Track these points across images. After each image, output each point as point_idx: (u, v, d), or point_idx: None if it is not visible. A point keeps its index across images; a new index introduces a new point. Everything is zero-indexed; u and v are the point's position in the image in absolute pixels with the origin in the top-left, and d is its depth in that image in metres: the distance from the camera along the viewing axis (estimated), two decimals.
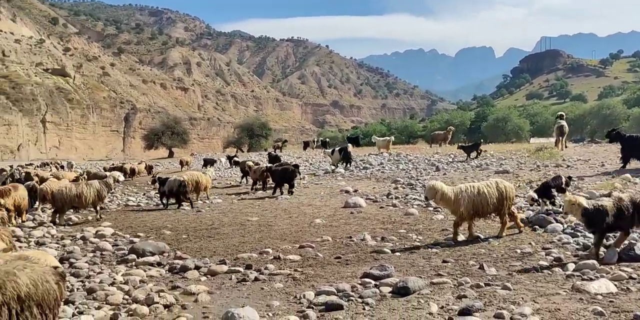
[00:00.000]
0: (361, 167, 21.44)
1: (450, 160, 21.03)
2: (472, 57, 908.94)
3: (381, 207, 11.97)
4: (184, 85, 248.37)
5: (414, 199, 12.59)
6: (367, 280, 6.14)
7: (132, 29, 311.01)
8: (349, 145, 25.10)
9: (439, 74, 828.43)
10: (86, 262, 7.94)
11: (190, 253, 8.40)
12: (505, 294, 5.40)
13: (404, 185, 15.19)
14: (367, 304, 5.38)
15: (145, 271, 7.20)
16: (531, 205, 9.97)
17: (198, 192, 15.72)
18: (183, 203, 14.54)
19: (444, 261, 6.95)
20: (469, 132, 65.52)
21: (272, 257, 7.78)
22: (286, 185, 15.75)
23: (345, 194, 14.59)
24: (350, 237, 8.94)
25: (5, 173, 26.13)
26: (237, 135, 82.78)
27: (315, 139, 52.91)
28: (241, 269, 7.11)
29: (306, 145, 42.06)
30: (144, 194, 19.15)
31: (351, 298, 5.54)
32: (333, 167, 21.34)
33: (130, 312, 5.39)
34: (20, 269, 3.45)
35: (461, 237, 8.25)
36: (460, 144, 25.65)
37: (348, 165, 21.39)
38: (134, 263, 7.78)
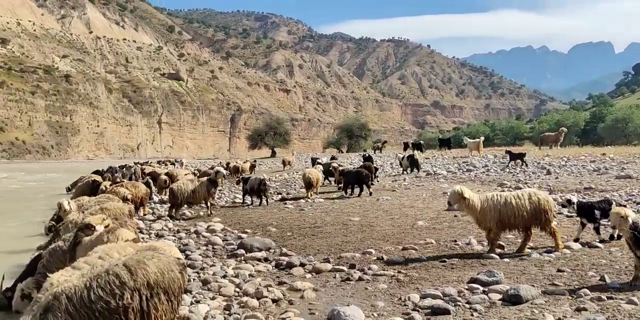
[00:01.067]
0: (464, 169, 20.82)
1: (563, 163, 19.79)
2: (587, 53, 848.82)
3: None
4: (286, 87, 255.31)
5: None
6: (474, 285, 5.94)
7: (239, 34, 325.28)
8: (416, 152, 27.20)
9: (548, 72, 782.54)
10: (200, 254, 8.43)
11: (295, 250, 8.63)
12: (631, 309, 4.98)
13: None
14: (476, 310, 5.20)
15: (253, 266, 7.51)
16: (563, 206, 8.95)
17: (310, 188, 16.52)
18: (286, 201, 15.02)
19: (558, 270, 6.54)
20: (583, 134, 61.22)
21: (375, 257, 7.78)
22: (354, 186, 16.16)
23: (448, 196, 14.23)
24: (455, 241, 8.71)
25: (132, 169, 28.63)
26: (336, 135, 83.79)
27: (411, 142, 52.13)
28: (345, 268, 7.18)
29: (406, 146, 41.74)
30: None
31: (458, 303, 5.40)
32: (406, 171, 22.50)
33: (242, 304, 5.65)
34: (149, 258, 3.76)
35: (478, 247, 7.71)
36: (507, 149, 24.79)
37: (416, 170, 21.96)
38: (242, 258, 8.14)
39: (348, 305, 5.26)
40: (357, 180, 15.97)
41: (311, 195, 16.28)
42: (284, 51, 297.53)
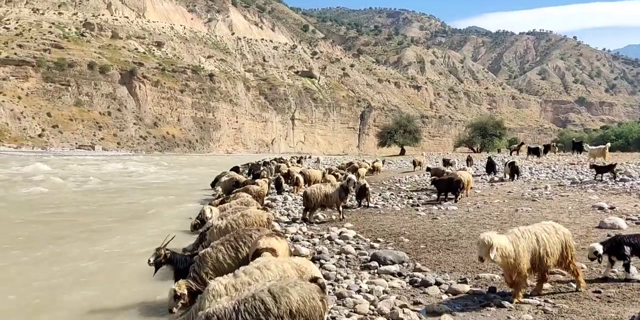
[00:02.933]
0: (617, 179, 18.85)
1: None
2: None
3: None
4: (417, 83, 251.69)
5: None
6: None
7: (371, 31, 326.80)
8: (517, 159, 26.12)
9: None
10: (334, 264, 8.54)
11: (429, 265, 8.39)
12: None
13: None
14: None
15: (387, 281, 7.42)
16: (591, 260, 7.31)
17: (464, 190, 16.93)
18: (418, 208, 14.74)
19: None
20: None
21: None
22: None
23: (598, 211, 12.95)
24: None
25: (271, 166, 30.18)
26: (468, 134, 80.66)
27: (554, 143, 48.39)
28: (484, 291, 6.82)
29: (546, 148, 37.99)
30: (380, 195, 19.82)
31: None
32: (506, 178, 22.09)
33: None
34: (292, 286, 3.85)
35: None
36: (593, 164, 21.96)
37: (516, 177, 21.57)
38: (376, 271, 8.09)
39: None
40: (448, 187, 16.58)
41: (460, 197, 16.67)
42: (416, 47, 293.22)
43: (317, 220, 13.74)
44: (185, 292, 5.98)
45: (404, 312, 5.90)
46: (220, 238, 7.02)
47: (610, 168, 19.26)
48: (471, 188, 18.08)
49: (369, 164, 32.79)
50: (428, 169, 24.84)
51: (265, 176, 22.52)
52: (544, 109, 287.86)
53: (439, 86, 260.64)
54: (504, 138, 79.04)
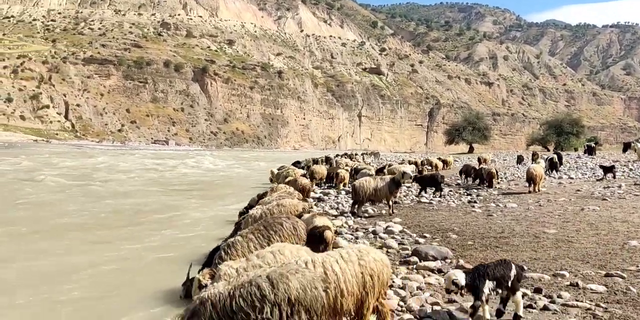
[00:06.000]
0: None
1: None
2: None
3: None
4: (489, 80, 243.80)
5: None
6: None
7: (441, 26, 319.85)
8: (554, 156, 25.54)
9: None
10: None
11: (473, 263, 7.83)
12: None
13: None
14: None
15: (424, 277, 6.99)
16: (448, 292, 5.36)
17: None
18: (475, 204, 14.05)
19: None
20: None
21: (569, 282, 6.64)
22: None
23: None
24: None
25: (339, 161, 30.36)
26: (543, 132, 77.12)
27: (634, 142, 45.13)
28: (529, 292, 6.25)
29: (626, 147, 35.68)
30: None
31: None
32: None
33: None
34: (292, 273, 3.56)
35: None
36: (600, 164, 22.63)
37: (555, 172, 21.88)
38: (415, 266, 7.66)
39: None
40: (430, 183, 17.41)
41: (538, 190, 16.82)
42: (488, 42, 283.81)
43: (366, 215, 13.38)
44: (210, 282, 5.85)
45: (433, 310, 5.48)
46: (249, 227, 6.84)
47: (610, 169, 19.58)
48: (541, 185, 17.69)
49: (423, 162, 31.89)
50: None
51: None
52: (628, 106, 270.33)
53: (512, 82, 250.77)
54: (582, 137, 74.80)
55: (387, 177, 13.41)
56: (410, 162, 31.18)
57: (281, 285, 3.44)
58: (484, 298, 5.10)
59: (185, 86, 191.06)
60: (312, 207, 12.67)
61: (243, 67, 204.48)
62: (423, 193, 17.19)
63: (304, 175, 18.69)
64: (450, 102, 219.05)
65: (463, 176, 21.50)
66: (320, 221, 7.25)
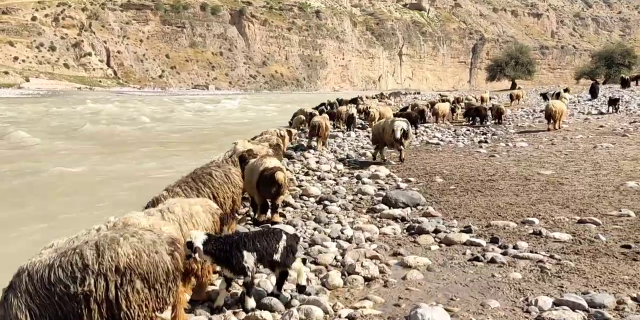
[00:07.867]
0: None
1: None
2: None
3: None
4: (537, 11, 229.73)
5: None
6: None
7: None
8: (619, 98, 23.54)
9: None
10: (339, 205, 7.74)
11: (445, 209, 7.30)
12: None
13: None
14: None
15: (380, 227, 6.52)
16: (188, 258, 3.91)
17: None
18: (482, 145, 13.27)
19: None
20: None
21: (532, 231, 6.04)
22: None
23: None
24: None
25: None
26: (592, 64, 72.84)
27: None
28: (483, 243, 5.70)
29: None
30: (455, 131, 18.37)
31: None
32: None
33: (323, 281, 4.78)
34: (126, 237, 3.13)
35: None
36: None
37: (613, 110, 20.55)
38: (379, 214, 7.18)
39: (434, 306, 4.03)
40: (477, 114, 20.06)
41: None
42: None
43: (363, 158, 12.85)
44: None
45: (362, 266, 5.03)
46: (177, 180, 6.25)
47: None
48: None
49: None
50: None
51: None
52: None
53: (562, 13, 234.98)
54: (634, 68, 70.10)
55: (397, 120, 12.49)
56: (443, 100, 30.18)
57: (108, 253, 3.02)
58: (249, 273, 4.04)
59: (223, 30, 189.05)
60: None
61: (280, 8, 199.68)
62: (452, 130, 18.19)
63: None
64: (496, 36, 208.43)
65: (469, 117, 21.54)
66: (270, 162, 6.80)
